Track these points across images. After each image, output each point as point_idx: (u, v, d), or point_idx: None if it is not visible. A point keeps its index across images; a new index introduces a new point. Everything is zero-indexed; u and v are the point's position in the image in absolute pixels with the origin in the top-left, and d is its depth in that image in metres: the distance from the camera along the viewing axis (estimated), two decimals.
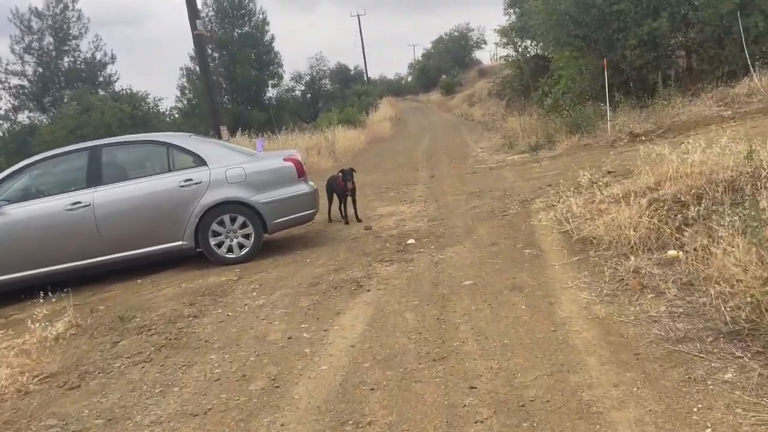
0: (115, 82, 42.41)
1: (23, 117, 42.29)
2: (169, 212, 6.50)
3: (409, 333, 3.99)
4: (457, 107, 41.14)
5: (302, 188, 6.97)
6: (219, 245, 6.68)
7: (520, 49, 26.26)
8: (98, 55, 43.17)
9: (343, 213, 8.99)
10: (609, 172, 8.36)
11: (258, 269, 6.37)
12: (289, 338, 4.14)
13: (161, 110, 30.75)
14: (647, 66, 13.41)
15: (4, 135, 41.42)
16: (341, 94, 49.96)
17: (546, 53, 22.27)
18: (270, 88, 45.07)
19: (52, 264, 6.23)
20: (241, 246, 6.74)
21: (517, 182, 10.02)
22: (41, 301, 5.97)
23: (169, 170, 6.67)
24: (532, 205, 7.69)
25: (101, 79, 42.87)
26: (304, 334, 4.18)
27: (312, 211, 7.11)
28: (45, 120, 38.39)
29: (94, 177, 6.43)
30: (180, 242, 6.57)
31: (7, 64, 41.60)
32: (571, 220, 6.07)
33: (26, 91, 42.41)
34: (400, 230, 7.53)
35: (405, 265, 5.72)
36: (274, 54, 43.92)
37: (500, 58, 28.51)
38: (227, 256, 6.70)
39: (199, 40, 15.57)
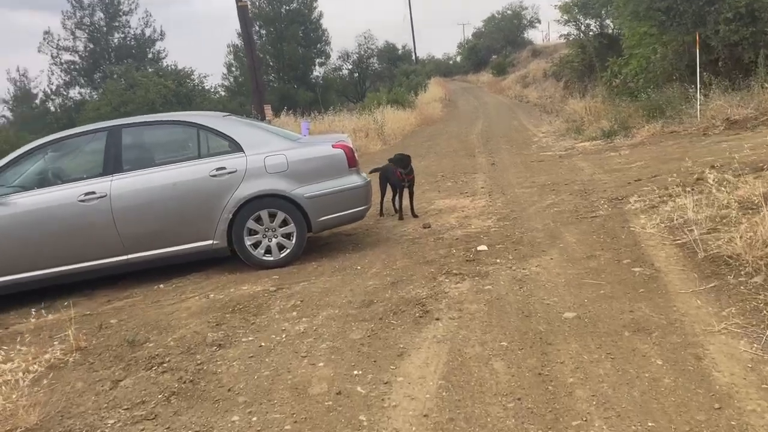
0: (164, 58, 42.24)
1: (74, 93, 42.66)
2: (197, 206, 5.52)
3: (503, 398, 2.88)
4: (509, 88, 39.37)
5: (353, 180, 5.89)
6: (255, 245, 5.68)
7: (582, 27, 24.55)
8: (147, 32, 43.06)
9: (396, 206, 7.90)
10: (712, 167, 7.03)
11: (299, 277, 5.35)
12: (338, 394, 3.09)
13: (206, 87, 30.10)
14: (743, 43, 11.77)
15: (57, 110, 41.82)
16: (389, 73, 48.69)
17: (616, 30, 20.54)
18: (317, 67, 44.24)
19: (61, 264, 5.34)
20: (280, 247, 5.73)
21: (596, 174, 8.72)
22: (44, 309, 5.12)
23: (199, 156, 5.67)
24: (626, 204, 6.43)
25: (150, 55, 42.76)
26: (358, 388, 3.12)
27: (364, 207, 6.03)
28: (95, 96, 38.45)
29: (112, 163, 5.48)
30: (210, 241, 5.60)
31: (59, 40, 41.91)
32: (687, 230, 4.83)
33: (77, 66, 42.66)
34: (466, 231, 6.39)
35: (480, 282, 4.59)
36: (321, 31, 42.97)
37: (561, 36, 26.72)
38: (264, 258, 5.69)
39: (242, 12, 14.60)
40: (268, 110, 14.21)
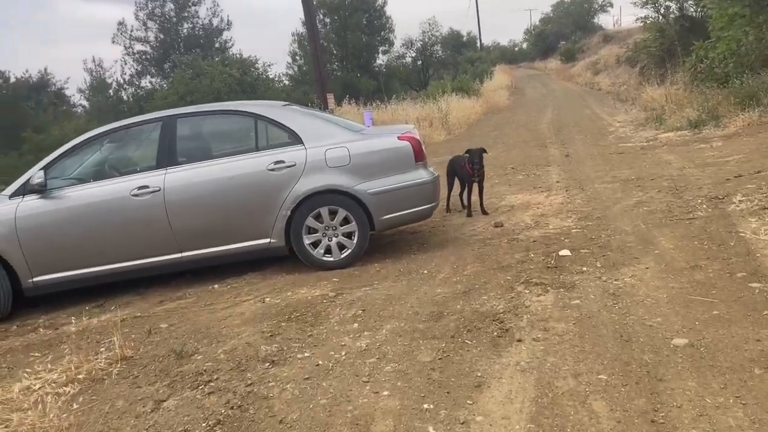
0: (230, 48, 42.82)
1: (145, 82, 43.90)
2: (254, 202, 5.16)
3: None
4: (579, 75, 37.81)
5: (420, 176, 5.40)
6: (315, 245, 5.28)
7: (662, 9, 23.06)
8: (215, 22, 43.73)
9: (464, 202, 7.36)
10: None
11: (361, 281, 4.92)
12: None
13: (270, 76, 30.17)
14: None
15: (129, 100, 43.15)
16: (452, 61, 47.81)
17: (699, 12, 19.13)
18: (380, 55, 43.85)
19: (113, 261, 5.09)
20: (341, 247, 5.31)
21: (687, 169, 7.90)
22: (96, 308, 4.88)
23: (257, 149, 5.31)
24: (729, 205, 5.68)
25: (217, 45, 43.41)
26: (430, 429, 2.64)
27: (431, 205, 5.53)
28: (165, 85, 39.38)
29: (166, 155, 5.18)
30: (267, 240, 5.23)
31: (131, 31, 43.15)
32: None
33: (148, 56, 43.83)
34: (544, 232, 5.80)
35: (566, 295, 4.03)
36: (385, 19, 42.52)
37: (637, 19, 25.21)
38: (324, 259, 5.29)
39: (307, 0, 14.27)
40: (331, 99, 13.87)
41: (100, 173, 5.28)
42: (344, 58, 40.81)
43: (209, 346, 3.84)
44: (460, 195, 7.42)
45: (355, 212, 5.24)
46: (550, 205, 7.00)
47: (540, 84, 37.97)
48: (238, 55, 31.95)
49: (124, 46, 42.96)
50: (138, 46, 43.10)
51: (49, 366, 3.79)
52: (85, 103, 46.35)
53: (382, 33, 42.66)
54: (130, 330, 4.36)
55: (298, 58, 40.46)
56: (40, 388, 3.46)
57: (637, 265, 4.48)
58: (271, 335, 3.90)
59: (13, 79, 40.92)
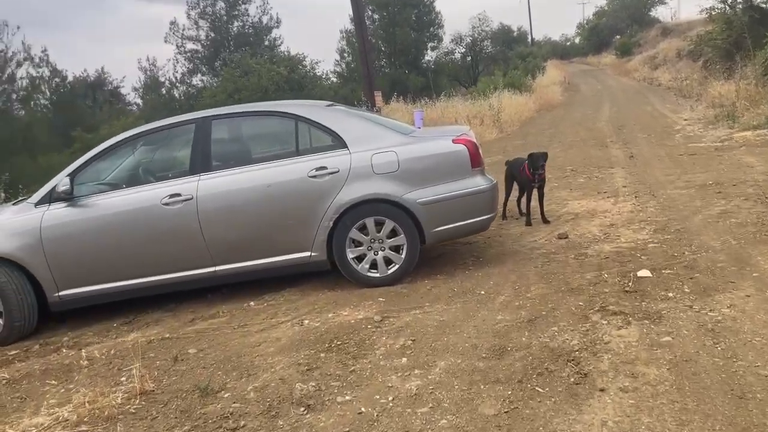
0: (279, 46, 42.89)
1: (196, 80, 44.46)
2: (294, 212, 4.70)
3: None
4: (636, 70, 36.30)
5: (477, 183, 4.84)
6: (359, 259, 4.79)
7: (729, 0, 21.69)
8: (264, 20, 43.87)
9: (522, 209, 6.76)
10: None
11: (410, 301, 4.40)
12: None
13: (318, 74, 29.90)
14: None
15: (180, 98, 43.77)
16: (503, 56, 46.73)
17: None
18: (429, 51, 43.19)
19: (142, 275, 4.72)
20: (388, 261, 4.80)
21: None
22: (125, 326, 4.51)
23: (297, 153, 4.84)
24: None
25: (266, 43, 43.56)
26: None
27: (488, 216, 4.96)
28: (215, 83, 39.73)
29: (200, 160, 4.77)
30: (308, 253, 4.77)
31: (183, 29, 43.74)
32: None
33: (199, 55, 44.32)
34: (615, 246, 5.16)
35: (653, 329, 3.41)
36: (435, 14, 41.81)
37: (702, 10, 23.83)
38: (369, 274, 4.80)
39: None
40: (378, 97, 13.39)
41: (129, 180, 4.91)
42: (392, 55, 40.33)
43: (238, 381, 3.39)
44: (518, 201, 6.82)
45: (404, 224, 4.73)
46: (619, 214, 6.33)
47: (594, 79, 36.63)
48: (286, 53, 31.81)
49: (176, 45, 43.56)
50: (189, 45, 43.65)
51: (63, 398, 3.41)
52: (139, 101, 47.32)
53: (431, 29, 41.97)
54: (156, 355, 3.96)
55: (346, 55, 40.18)
56: (49, 427, 3.07)
57: (735, 291, 3.82)
58: (308, 369, 3.42)
59: (71, 78, 42.01)
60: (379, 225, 4.75)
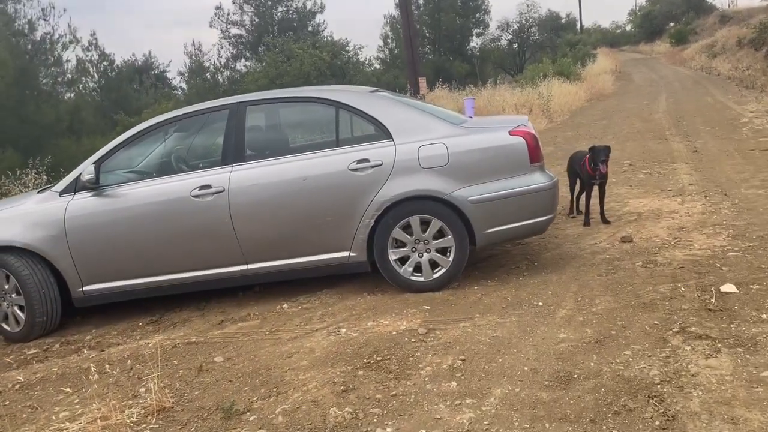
0: (323, 31, 42.63)
1: (240, 65, 44.63)
2: (332, 208, 4.30)
3: None
4: (692, 59, 34.72)
5: (536, 180, 4.35)
6: (402, 261, 4.37)
7: None
8: (308, 5, 43.62)
9: (577, 207, 6.24)
10: None
11: (457, 310, 3.96)
12: None
13: (361, 59, 29.47)
14: None
15: (224, 83, 43.98)
16: (550, 44, 45.48)
17: None
18: (474, 38, 42.35)
19: (168, 272, 4.40)
20: (434, 264, 4.36)
21: None
22: (150, 326, 4.21)
23: (337, 144, 4.43)
24: None
25: (310, 28, 43.33)
26: None
27: (547, 218, 4.46)
28: (258, 68, 39.76)
29: (232, 150, 4.41)
30: (346, 253, 4.37)
31: (228, 14, 43.89)
32: None
33: (243, 40, 44.45)
34: (689, 254, 4.61)
35: (748, 361, 2.90)
36: (481, 0, 40.84)
37: None
38: (413, 278, 4.37)
39: None
40: (423, 83, 12.90)
41: (158, 168, 4.60)
42: (437, 41, 39.66)
43: (266, 400, 3.01)
44: (577, 198, 6.28)
45: (453, 224, 4.28)
46: (689, 215, 5.74)
47: (647, 68, 35.21)
48: (329, 38, 31.45)
49: (221, 30, 43.78)
50: (234, 30, 43.82)
51: (76, 411, 3.10)
52: (184, 85, 47.76)
53: (477, 15, 41.10)
54: (179, 363, 3.62)
55: (389, 41, 39.67)
56: None
57: None
58: (344, 390, 3.02)
59: (119, 62, 42.56)
60: (424, 224, 4.32)
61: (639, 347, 3.17)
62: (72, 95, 31.64)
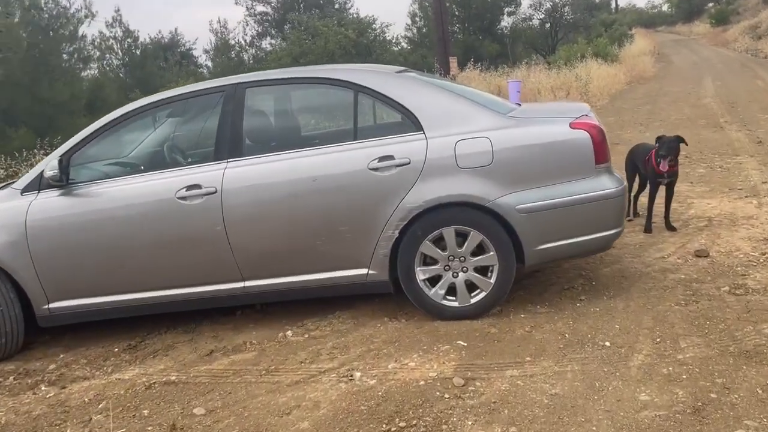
0: (349, 8, 41.56)
1: (266, 44, 43.88)
2: (348, 215, 3.50)
3: None
4: (735, 41, 33.04)
5: (602, 186, 3.48)
6: (432, 281, 3.56)
7: None
8: None
9: (635, 208, 5.34)
10: None
11: (502, 350, 3.14)
12: None
13: (388, 38, 28.41)
14: None
15: (249, 61, 43.29)
16: (584, 23, 43.80)
17: None
18: (505, 16, 40.88)
19: (151, 287, 3.65)
20: (471, 286, 3.54)
21: None
22: (127, 353, 3.48)
23: (355, 136, 3.60)
24: None
25: (336, 5, 42.27)
26: None
27: (613, 231, 3.58)
28: (284, 47, 38.95)
29: (227, 142, 3.61)
30: (364, 270, 3.57)
31: None
32: None
33: (269, 18, 43.62)
34: None
35: None
36: None
37: None
38: (445, 303, 3.56)
39: None
40: (454, 63, 11.98)
41: (138, 163, 3.84)
42: (466, 20, 38.35)
43: None
44: (635, 198, 5.38)
45: (497, 237, 3.45)
46: None
47: (688, 50, 33.59)
48: (355, 16, 30.42)
49: (246, 7, 43.00)
50: (259, 8, 42.99)
51: None
52: (209, 63, 47.17)
53: None
54: (150, 414, 2.87)
55: (418, 19, 38.44)
56: None
57: None
58: None
59: (147, 40, 42.05)
60: (461, 237, 3.49)
61: (754, 423, 2.32)
62: (92, 72, 31.16)
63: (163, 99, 3.77)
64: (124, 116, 3.72)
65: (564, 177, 3.44)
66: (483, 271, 3.54)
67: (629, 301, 3.63)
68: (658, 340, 3.11)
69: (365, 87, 3.62)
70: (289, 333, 3.63)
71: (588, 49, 21.34)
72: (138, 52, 40.27)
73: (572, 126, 3.47)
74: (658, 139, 4.80)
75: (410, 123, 3.53)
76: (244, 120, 3.63)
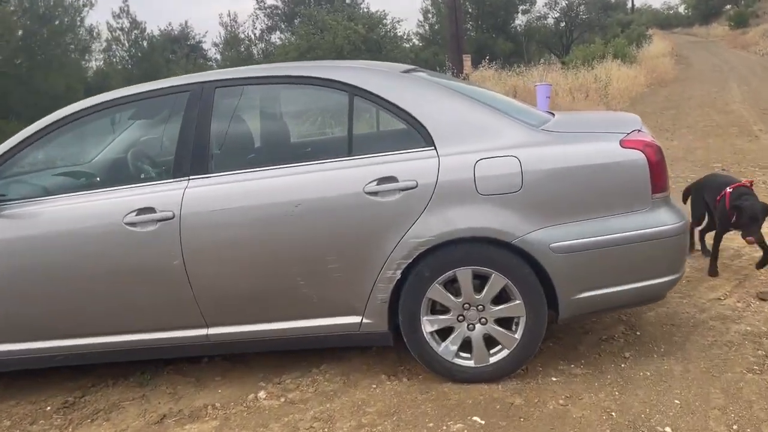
0: (360, 3, 40.82)
1: (275, 38, 43.27)
2: (337, 250, 2.78)
3: None
4: (755, 43, 32.05)
5: (660, 221, 2.74)
6: (443, 334, 2.84)
7: None
8: None
9: (702, 245, 4.44)
10: None
11: (532, 430, 2.43)
12: None
13: (399, 34, 27.67)
14: None
15: (258, 55, 42.68)
16: (599, 23, 42.91)
17: None
18: (519, 15, 40.08)
19: (94, 332, 2.96)
20: (491, 341, 2.82)
21: None
22: (63, 412, 2.78)
23: (349, 151, 2.88)
24: None
25: (347, 0, 41.55)
26: None
27: (671, 278, 2.83)
28: (293, 41, 38.31)
29: (190, 155, 2.89)
30: (357, 318, 2.85)
31: None
32: None
33: (279, 12, 42.99)
34: None
35: None
36: None
37: None
38: (458, 362, 2.84)
39: None
40: (467, 61, 11.24)
41: (80, 179, 3.13)
42: (480, 18, 37.56)
43: None
44: (702, 234, 4.48)
45: (525, 282, 2.72)
46: None
47: (707, 52, 32.62)
48: (365, 10, 29.65)
49: (257, 1, 42.38)
50: (270, 0, 42.40)
51: None
52: (218, 57, 46.56)
53: None
54: None
55: (430, 15, 37.70)
56: None
57: None
58: None
59: (152, 31, 41.48)
60: (480, 280, 2.77)
61: None
62: (97, 63, 30.57)
63: (112, 100, 3.04)
64: (64, 120, 3.00)
65: (611, 209, 2.71)
66: (506, 323, 2.82)
67: (687, 362, 2.90)
68: (734, 427, 2.38)
69: (363, 89, 2.89)
70: (261, 394, 2.92)
71: (605, 49, 20.48)
72: (145, 44, 39.77)
73: (623, 144, 2.73)
74: (738, 203, 3.86)
75: (418, 136, 2.81)
76: (211, 128, 2.92)
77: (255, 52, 43.33)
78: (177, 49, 43.92)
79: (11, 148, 2.99)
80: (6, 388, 3.24)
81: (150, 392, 3.07)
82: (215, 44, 46.47)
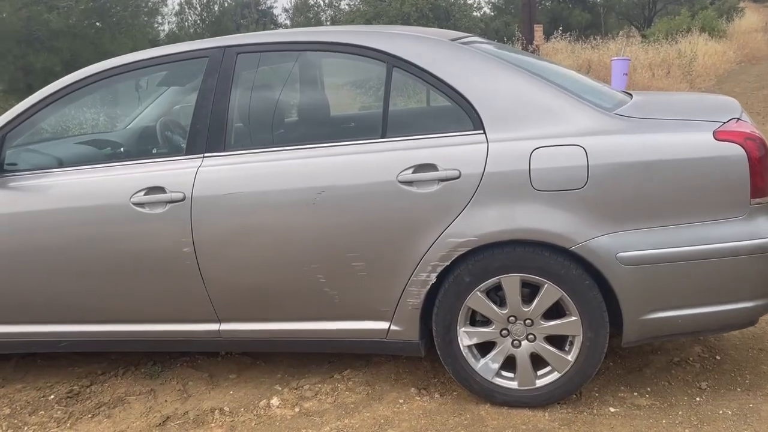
0: None
1: (344, 4, 42.80)
2: (364, 246, 2.41)
3: None
4: None
5: (758, 230, 2.23)
6: (482, 349, 2.45)
7: None
8: None
9: None
10: None
11: None
12: None
13: (469, 1, 26.65)
14: None
15: (326, 22, 42.39)
16: None
17: None
18: None
19: (96, 319, 2.72)
20: (537, 361, 2.41)
21: None
22: (63, 404, 2.57)
23: (383, 132, 2.47)
24: None
25: None
26: None
27: (760, 303, 2.33)
28: (360, 7, 37.74)
29: (206, 130, 2.57)
30: (384, 324, 2.49)
31: None
32: None
33: None
34: None
35: None
36: None
37: None
38: (499, 383, 2.44)
39: None
40: (539, 32, 10.49)
41: (87, 151, 2.86)
42: None
43: None
44: None
45: (584, 295, 2.29)
46: None
47: None
48: None
49: None
50: None
51: None
52: (288, 22, 46.59)
53: None
54: None
55: None
56: None
57: None
58: None
59: None
60: (529, 289, 2.35)
61: None
62: (170, 27, 30.94)
63: (121, 65, 2.73)
64: (73, 86, 2.70)
65: (697, 215, 2.22)
66: (558, 342, 2.39)
67: None
68: None
69: (404, 60, 2.47)
70: (275, 401, 2.61)
71: (692, 22, 19.03)
72: (216, 8, 40.14)
73: (718, 136, 2.22)
74: None
75: (465, 117, 2.38)
76: (230, 99, 2.57)
77: (323, 18, 43.04)
78: (247, 14, 44.13)
79: (19, 115, 2.74)
80: (16, 369, 3.07)
81: (159, 386, 2.81)
82: (285, 10, 46.46)
